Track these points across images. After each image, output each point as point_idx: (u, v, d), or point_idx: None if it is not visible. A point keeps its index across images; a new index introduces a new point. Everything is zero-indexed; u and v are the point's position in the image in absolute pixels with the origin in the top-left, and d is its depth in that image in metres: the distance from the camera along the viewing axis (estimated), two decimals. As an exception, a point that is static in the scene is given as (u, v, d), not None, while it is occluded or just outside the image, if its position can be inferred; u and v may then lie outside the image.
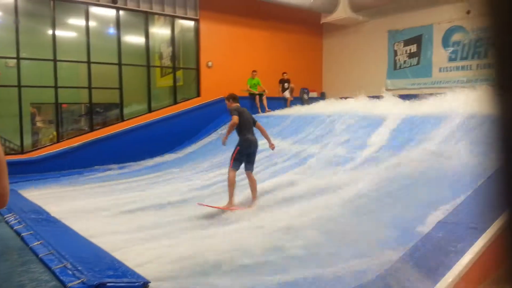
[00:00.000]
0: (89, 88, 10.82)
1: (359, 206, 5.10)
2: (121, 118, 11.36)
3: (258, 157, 6.62)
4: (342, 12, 13.88)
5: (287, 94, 13.81)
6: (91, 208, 6.40)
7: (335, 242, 4.28)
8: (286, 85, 13.85)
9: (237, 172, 6.17)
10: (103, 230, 5.20)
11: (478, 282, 2.89)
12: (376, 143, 7.51)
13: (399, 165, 6.00)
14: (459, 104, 7.25)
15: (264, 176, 7.57)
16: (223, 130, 11.79)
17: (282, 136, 9.92)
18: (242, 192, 6.38)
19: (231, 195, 5.99)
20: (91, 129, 10.94)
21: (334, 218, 4.83)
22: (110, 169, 9.98)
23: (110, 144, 10.71)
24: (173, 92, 12.50)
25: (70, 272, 3.32)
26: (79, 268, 3.37)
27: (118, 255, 4.02)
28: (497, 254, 2.96)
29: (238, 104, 6.48)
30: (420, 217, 4.16)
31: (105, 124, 11.29)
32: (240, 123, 6.13)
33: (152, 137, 11.29)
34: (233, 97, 6.57)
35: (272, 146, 6.53)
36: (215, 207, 5.93)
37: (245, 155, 6.16)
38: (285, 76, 13.78)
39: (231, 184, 5.99)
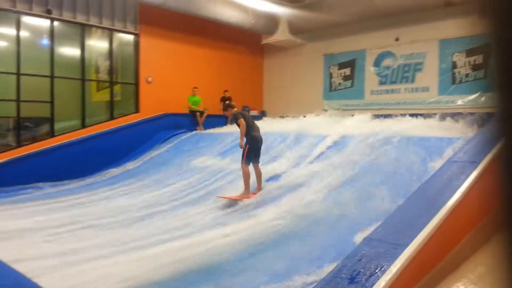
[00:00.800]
0: (18, 101, 10.20)
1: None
2: (51, 134, 10.78)
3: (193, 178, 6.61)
4: (282, 34, 14.34)
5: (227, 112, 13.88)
6: (17, 230, 5.95)
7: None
8: (227, 103, 13.91)
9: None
10: (28, 254, 4.86)
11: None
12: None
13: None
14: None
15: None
16: (161, 149, 11.62)
17: (221, 154, 9.94)
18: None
19: (247, 186, 6.87)
20: (19, 144, 10.27)
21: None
22: (39, 188, 9.38)
23: (39, 161, 10.10)
24: (110, 107, 12.11)
25: (-15, 301, 3.07)
26: (-5, 296, 3.13)
27: (40, 281, 3.78)
28: (417, 268, 3.16)
29: (236, 109, 7.46)
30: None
31: (34, 140, 10.64)
32: (246, 124, 7.00)
33: (86, 154, 10.83)
34: (228, 106, 7.60)
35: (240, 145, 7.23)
36: (235, 198, 6.74)
37: (253, 151, 7.02)
38: (226, 94, 13.89)
39: (247, 177, 6.87)
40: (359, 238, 4.15)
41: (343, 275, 2.82)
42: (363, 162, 7.03)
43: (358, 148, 7.58)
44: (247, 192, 6.90)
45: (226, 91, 13.91)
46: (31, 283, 3.67)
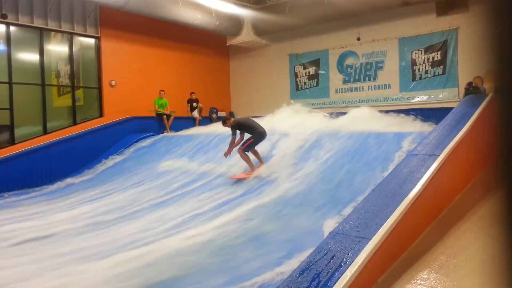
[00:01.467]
0: (-27, 108, 9.80)
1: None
2: (11, 141, 10.39)
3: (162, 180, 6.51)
4: (246, 35, 14.39)
5: (195, 113, 13.84)
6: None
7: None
8: (194, 104, 13.88)
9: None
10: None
11: (369, 285, 3.14)
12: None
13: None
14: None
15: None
16: (128, 153, 11.41)
17: (190, 157, 9.88)
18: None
19: (250, 163, 7.66)
20: (-24, 153, 9.86)
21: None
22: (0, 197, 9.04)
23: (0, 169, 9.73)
24: (72, 112, 11.80)
25: None
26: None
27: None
28: (382, 260, 3.26)
29: (232, 119, 8.00)
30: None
31: (-7, 148, 10.23)
32: (246, 129, 7.74)
33: (49, 161, 10.50)
34: (225, 118, 8.09)
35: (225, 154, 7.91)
36: (244, 176, 7.50)
37: (255, 144, 7.71)
38: (193, 96, 13.83)
39: (247, 157, 7.65)
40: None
41: (310, 270, 2.87)
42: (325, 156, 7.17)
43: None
44: (252, 168, 7.66)
45: (192, 93, 13.86)
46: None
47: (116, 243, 5.34)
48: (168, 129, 12.84)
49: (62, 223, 6.57)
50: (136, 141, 11.96)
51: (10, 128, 10.44)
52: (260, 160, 7.89)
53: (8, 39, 10.50)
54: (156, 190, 8.20)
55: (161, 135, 12.37)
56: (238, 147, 7.71)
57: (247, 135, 7.77)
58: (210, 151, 9.72)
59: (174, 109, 13.14)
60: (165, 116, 12.88)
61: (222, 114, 15.41)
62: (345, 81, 13.81)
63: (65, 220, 6.78)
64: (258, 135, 7.75)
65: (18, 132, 10.56)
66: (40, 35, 11.16)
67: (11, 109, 10.42)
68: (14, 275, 4.33)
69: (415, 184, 3.86)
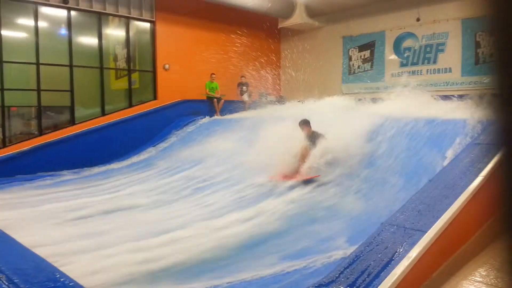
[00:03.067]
0: (38, 90, 10.37)
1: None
2: (72, 122, 10.95)
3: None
4: (299, 17, 14.09)
5: (245, 97, 13.82)
6: (38, 216, 6.11)
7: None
8: (244, 88, 13.85)
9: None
10: (49, 239, 4.97)
11: (422, 280, 2.99)
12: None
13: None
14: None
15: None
16: (181, 132, 11.69)
17: (239, 140, 9.91)
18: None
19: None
20: (41, 133, 10.48)
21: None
22: (61, 175, 9.58)
23: (61, 148, 10.29)
24: (128, 95, 12.21)
25: (5, 286, 3.14)
26: (15, 280, 3.19)
27: (61, 265, 3.86)
28: (437, 254, 3.08)
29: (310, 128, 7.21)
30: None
31: (55, 128, 10.84)
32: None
33: (106, 141, 10.97)
34: (304, 122, 7.27)
35: None
36: (285, 179, 6.67)
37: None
38: (243, 80, 13.79)
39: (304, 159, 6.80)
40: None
41: (360, 262, 2.77)
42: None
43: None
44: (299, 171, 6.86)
45: (243, 76, 13.82)
46: (52, 267, 3.76)
47: (179, 219, 5.52)
48: (219, 113, 12.96)
49: (124, 198, 6.87)
50: (188, 124, 12.21)
51: (71, 109, 10.98)
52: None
53: (69, 24, 10.97)
54: (206, 172, 8.33)
55: (212, 118, 12.53)
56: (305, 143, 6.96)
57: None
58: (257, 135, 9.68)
59: (224, 93, 13.21)
60: (215, 100, 12.99)
61: (272, 98, 15.30)
62: (402, 65, 13.19)
63: (127, 195, 7.10)
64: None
65: (78, 113, 11.09)
66: (99, 20, 11.56)
67: (71, 91, 10.94)
68: (78, 248, 4.57)
69: (477, 175, 3.61)
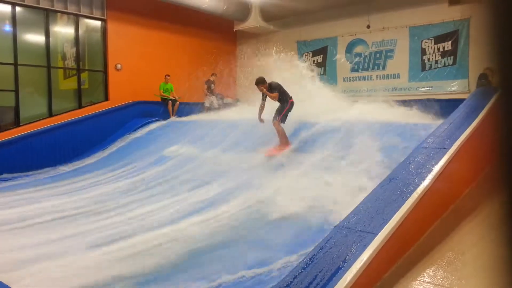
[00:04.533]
0: (-22, 89, 9.74)
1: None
2: (17, 123, 10.36)
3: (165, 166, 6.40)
4: (254, 21, 14.18)
5: (211, 99, 13.58)
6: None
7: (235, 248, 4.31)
8: (212, 86, 13.52)
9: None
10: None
11: (374, 282, 3.07)
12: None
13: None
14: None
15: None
16: (133, 137, 11.38)
17: (194, 143, 9.81)
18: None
19: (286, 138, 7.55)
20: (-19, 135, 9.84)
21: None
22: (4, 180, 9.05)
23: (4, 151, 9.71)
24: (77, 95, 11.73)
25: None
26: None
27: (4, 276, 3.63)
28: (388, 256, 3.18)
29: (266, 84, 7.70)
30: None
31: (-1, 129, 10.22)
32: (281, 94, 7.61)
33: (54, 144, 10.47)
34: (260, 81, 7.76)
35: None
36: (277, 152, 7.39)
37: (289, 113, 7.64)
38: (212, 78, 13.54)
39: (283, 131, 7.54)
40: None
41: (313, 265, 2.80)
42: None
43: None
44: (285, 143, 7.54)
45: (213, 74, 13.60)
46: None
47: (126, 226, 5.34)
48: (174, 114, 12.75)
49: (65, 206, 6.56)
50: (141, 126, 11.91)
51: (15, 109, 10.39)
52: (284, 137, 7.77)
53: (13, 20, 10.39)
54: (160, 175, 8.16)
55: (166, 120, 12.31)
56: (274, 119, 7.57)
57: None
58: (216, 137, 9.63)
59: (179, 94, 13.02)
60: (170, 102, 12.77)
61: (228, 100, 15.27)
62: (353, 70, 13.61)
63: (71, 203, 6.78)
64: (291, 104, 7.67)
65: (23, 114, 10.51)
66: (46, 17, 11.03)
67: (16, 90, 10.35)
68: (17, 260, 4.30)
69: (424, 178, 3.76)
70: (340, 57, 13.83)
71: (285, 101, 7.71)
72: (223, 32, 15.36)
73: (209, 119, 11.20)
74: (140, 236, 4.89)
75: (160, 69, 13.06)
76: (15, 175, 9.42)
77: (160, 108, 12.82)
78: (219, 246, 4.48)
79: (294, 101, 7.79)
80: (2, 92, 10.29)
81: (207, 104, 13.19)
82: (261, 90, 7.70)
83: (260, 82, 7.72)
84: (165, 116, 12.68)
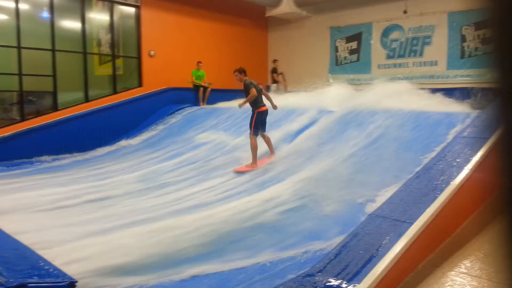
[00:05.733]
0: (20, 75, 10.09)
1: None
2: (55, 108, 10.71)
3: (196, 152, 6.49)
4: (286, 6, 14.00)
5: (277, 86, 13.60)
6: (20, 203, 5.97)
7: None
8: (239, 69, 13.45)
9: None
10: (32, 227, 4.87)
11: (408, 271, 3.02)
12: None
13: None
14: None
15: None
16: (165, 123, 11.56)
17: (226, 129, 9.86)
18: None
19: (255, 157, 7.08)
20: (23, 118, 10.22)
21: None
22: (43, 162, 9.41)
23: (43, 134, 10.06)
24: (112, 81, 11.98)
25: (-12, 274, 3.07)
26: (-2, 269, 3.13)
27: (44, 253, 3.78)
28: (423, 246, 3.11)
29: (247, 77, 7.32)
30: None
31: (38, 114, 10.58)
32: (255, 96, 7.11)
33: (90, 128, 10.77)
34: (243, 71, 7.38)
35: (275, 107, 7.55)
36: (245, 170, 6.94)
37: (260, 122, 7.19)
38: (277, 64, 13.50)
39: (254, 148, 7.08)
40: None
41: (346, 253, 2.78)
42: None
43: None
44: (254, 162, 7.10)
45: (276, 60, 13.60)
46: (36, 255, 3.69)
47: (163, 209, 5.46)
48: (205, 102, 12.82)
49: (104, 188, 6.77)
50: (174, 112, 12.08)
51: (54, 94, 10.73)
52: (272, 150, 7.46)
53: (51, 6, 10.66)
54: (192, 161, 8.27)
55: (197, 107, 12.42)
56: (249, 132, 7.22)
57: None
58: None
59: (211, 81, 13.08)
60: (201, 88, 12.86)
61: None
62: (388, 57, 13.26)
63: (106, 185, 6.99)
64: (260, 112, 7.16)
65: (61, 98, 10.85)
66: (82, 3, 11.27)
67: (54, 76, 10.68)
68: (60, 236, 4.49)
69: (463, 168, 3.65)
70: (375, 44, 13.50)
71: (254, 109, 7.24)
72: (254, 19, 15.27)
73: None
74: (178, 218, 5.00)
75: (192, 56, 13.13)
76: (54, 157, 9.77)
77: (192, 95, 12.94)
78: (257, 229, 4.53)
79: (268, 109, 7.30)
80: (41, 77, 10.64)
81: (274, 89, 13.24)
82: (239, 80, 7.27)
83: (240, 71, 7.33)
84: (197, 102, 12.80)
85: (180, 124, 11.17)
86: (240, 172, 7.00)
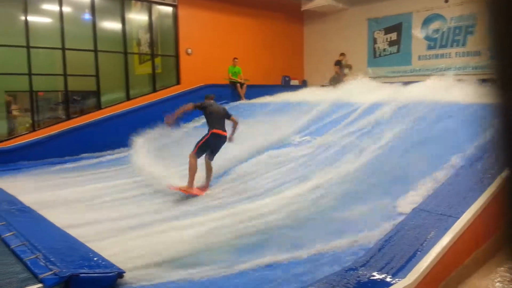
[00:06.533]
0: (64, 75, 10.53)
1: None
2: (98, 106, 11.12)
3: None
4: (322, -1, 13.84)
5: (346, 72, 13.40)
6: (68, 198, 6.28)
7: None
8: (343, 63, 13.29)
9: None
10: (80, 220, 5.11)
11: (454, 266, 2.94)
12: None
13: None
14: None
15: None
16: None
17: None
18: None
19: (191, 179, 6.19)
20: (68, 117, 10.68)
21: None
22: (88, 158, 9.80)
23: (87, 133, 10.47)
24: (152, 79, 12.29)
25: (42, 264, 3.25)
26: (51, 259, 3.31)
27: (93, 245, 3.95)
28: (470, 240, 3.01)
29: (210, 101, 6.94)
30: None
31: (82, 112, 11.03)
32: (208, 115, 6.61)
33: (131, 125, 11.06)
34: (206, 97, 7.17)
35: (231, 139, 6.69)
36: (177, 189, 6.13)
37: (209, 146, 6.43)
38: (342, 58, 13.26)
39: (193, 168, 6.22)
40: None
41: (392, 246, 2.73)
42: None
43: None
44: (190, 185, 6.21)
45: (342, 54, 13.39)
46: (85, 247, 3.87)
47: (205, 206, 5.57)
48: (243, 97, 12.89)
49: (149, 183, 6.97)
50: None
51: (97, 93, 11.13)
52: (207, 183, 6.48)
53: (92, 8, 11.05)
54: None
55: (236, 102, 12.52)
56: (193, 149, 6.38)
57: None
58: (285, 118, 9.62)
59: (247, 77, 13.14)
60: (238, 84, 12.94)
61: (295, 82, 15.17)
62: (429, 47, 12.83)
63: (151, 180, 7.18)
64: (212, 135, 6.43)
65: (104, 97, 11.25)
66: (122, 4, 11.60)
67: (97, 75, 11.07)
68: (108, 229, 4.68)
69: (512, 161, 3.49)
70: (416, 34, 13.08)
71: (209, 129, 6.59)
72: (290, 13, 15.18)
73: (277, 101, 11.23)
74: (221, 212, 5.10)
75: (228, 53, 13.23)
76: (98, 154, 10.13)
77: (229, 91, 13.05)
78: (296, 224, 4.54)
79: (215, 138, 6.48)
80: (84, 77, 11.06)
81: (336, 82, 12.93)
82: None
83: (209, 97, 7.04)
84: (234, 98, 12.89)
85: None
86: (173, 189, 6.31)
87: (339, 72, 13.17)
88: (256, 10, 14.22)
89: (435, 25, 12.63)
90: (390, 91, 8.95)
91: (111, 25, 11.83)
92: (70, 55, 10.59)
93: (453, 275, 2.89)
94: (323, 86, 12.95)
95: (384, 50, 13.93)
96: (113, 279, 3.25)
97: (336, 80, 12.86)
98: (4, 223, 4.36)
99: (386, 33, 13.84)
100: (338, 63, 13.32)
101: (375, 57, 14.18)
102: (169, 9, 12.58)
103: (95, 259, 3.51)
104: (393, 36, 13.67)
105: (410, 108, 7.38)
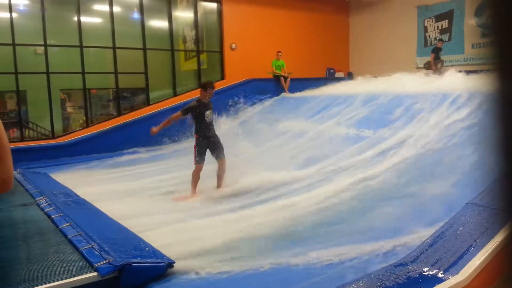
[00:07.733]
0: (115, 73, 10.97)
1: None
2: (147, 102, 11.49)
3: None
4: (369, -12, 13.47)
5: (438, 65, 13.08)
6: (121, 191, 6.55)
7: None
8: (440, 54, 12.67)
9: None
10: (132, 212, 5.32)
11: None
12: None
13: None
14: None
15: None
16: (247, 114, 11.81)
17: (309, 117, 9.80)
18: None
19: (193, 185, 6.17)
20: (119, 113, 11.13)
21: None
22: (138, 153, 10.15)
23: (137, 128, 10.84)
24: (197, 75, 12.53)
25: (97, 253, 3.43)
26: (106, 248, 3.48)
27: (145, 236, 4.11)
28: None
29: (205, 94, 6.49)
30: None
31: (132, 109, 11.46)
32: (197, 121, 6.39)
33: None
34: (204, 85, 6.63)
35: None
36: (181, 200, 6.01)
37: (204, 147, 6.30)
38: (439, 45, 12.63)
39: (195, 177, 6.19)
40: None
41: (444, 241, 2.64)
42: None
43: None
44: (192, 192, 6.14)
45: (440, 39, 12.87)
46: (137, 237, 4.03)
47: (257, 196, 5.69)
48: (287, 90, 12.85)
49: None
50: (255, 103, 12.30)
51: (146, 90, 11.52)
52: (220, 180, 6.31)
53: (141, 8, 11.40)
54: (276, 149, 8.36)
55: (280, 95, 12.52)
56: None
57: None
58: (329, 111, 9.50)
59: (291, 70, 13.07)
60: (282, 78, 12.91)
61: (339, 74, 14.91)
62: (484, 35, 12.12)
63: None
64: (200, 137, 6.27)
65: (152, 94, 11.61)
66: (168, 2, 11.89)
67: (146, 73, 11.44)
68: (161, 221, 4.86)
69: None
70: (469, 21, 12.44)
71: (194, 133, 6.43)
72: (335, 4, 14.90)
73: (319, 94, 11.11)
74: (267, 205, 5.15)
75: (271, 46, 13.21)
76: (149, 148, 10.45)
77: (273, 85, 13.05)
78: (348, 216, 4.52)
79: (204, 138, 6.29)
80: (134, 74, 11.46)
81: (434, 69, 12.50)
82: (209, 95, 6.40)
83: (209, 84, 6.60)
84: (277, 92, 12.88)
85: (261, 114, 11.31)
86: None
87: (435, 60, 12.42)
88: (300, 2, 14.08)
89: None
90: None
91: (159, 23, 12.17)
92: (120, 53, 11.01)
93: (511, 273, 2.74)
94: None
95: (435, 38, 13.35)
96: (163, 269, 3.38)
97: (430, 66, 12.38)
98: (61, 214, 4.64)
99: (437, 21, 13.25)
100: (435, 50, 12.50)
101: (426, 46, 13.63)
102: (213, 5, 12.74)
103: (147, 249, 3.65)
104: (445, 24, 13.07)
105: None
